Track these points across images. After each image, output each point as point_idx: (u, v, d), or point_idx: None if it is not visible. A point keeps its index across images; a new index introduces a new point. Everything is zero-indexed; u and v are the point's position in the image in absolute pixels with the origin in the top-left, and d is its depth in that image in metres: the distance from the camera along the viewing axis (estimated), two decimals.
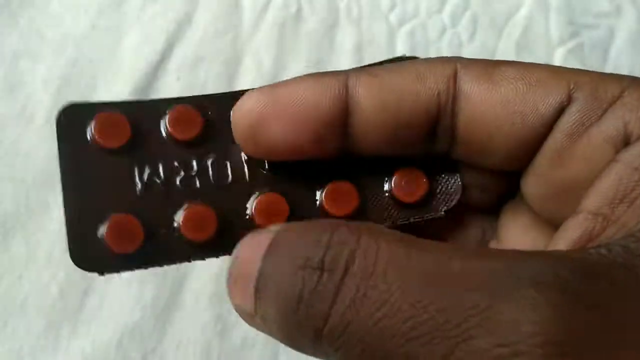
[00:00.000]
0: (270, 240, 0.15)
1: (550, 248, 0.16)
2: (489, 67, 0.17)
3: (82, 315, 0.30)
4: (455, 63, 0.17)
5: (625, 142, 0.16)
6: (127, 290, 0.30)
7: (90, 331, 0.30)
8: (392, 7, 0.37)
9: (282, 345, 0.18)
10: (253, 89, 0.18)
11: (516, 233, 0.19)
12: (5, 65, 0.33)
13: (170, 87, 0.34)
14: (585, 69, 0.17)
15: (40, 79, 0.33)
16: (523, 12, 0.37)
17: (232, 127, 0.18)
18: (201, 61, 0.34)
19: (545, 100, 0.16)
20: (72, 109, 0.17)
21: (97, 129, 0.17)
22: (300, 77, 0.18)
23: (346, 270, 0.13)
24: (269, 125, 0.17)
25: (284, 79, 0.18)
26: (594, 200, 0.16)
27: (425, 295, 0.13)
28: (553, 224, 0.17)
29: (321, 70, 0.18)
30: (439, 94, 0.17)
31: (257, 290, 0.15)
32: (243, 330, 0.30)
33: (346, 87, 0.17)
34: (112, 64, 0.34)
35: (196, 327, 0.30)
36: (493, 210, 0.20)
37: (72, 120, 0.17)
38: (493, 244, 0.20)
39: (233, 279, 0.16)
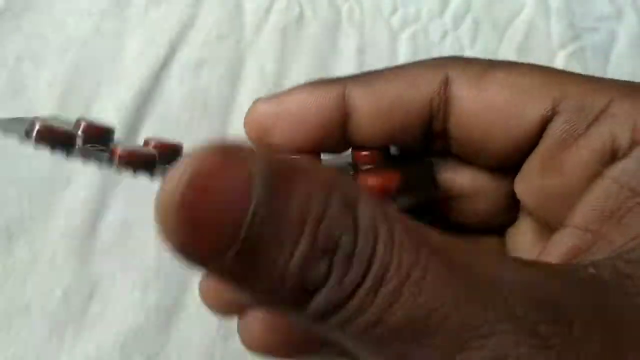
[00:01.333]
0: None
1: (541, 258, 0.16)
2: (481, 70, 0.18)
3: (85, 319, 0.30)
4: (448, 67, 0.18)
5: (613, 156, 0.16)
6: (131, 294, 0.30)
7: (94, 335, 0.30)
8: (394, 11, 0.37)
9: None
10: (260, 98, 0.19)
11: (519, 240, 0.20)
12: (8, 68, 0.33)
13: (172, 91, 0.34)
14: (587, 72, 0.18)
15: (44, 82, 0.33)
16: (524, 15, 0.37)
17: (245, 132, 0.19)
18: (204, 65, 0.34)
19: (531, 111, 0.17)
20: None
21: None
22: (302, 85, 0.19)
23: (371, 260, 0.13)
24: (276, 130, 0.19)
25: (287, 82, 0.20)
26: (581, 215, 0.16)
27: (433, 296, 0.12)
28: (552, 229, 0.17)
29: (323, 74, 0.20)
30: (431, 99, 0.18)
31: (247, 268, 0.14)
32: None
33: (344, 95, 0.18)
34: (115, 68, 0.34)
35: (200, 331, 0.30)
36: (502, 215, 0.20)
37: None
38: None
39: (171, 215, 0.14)
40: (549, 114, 0.17)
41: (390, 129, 0.18)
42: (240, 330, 0.19)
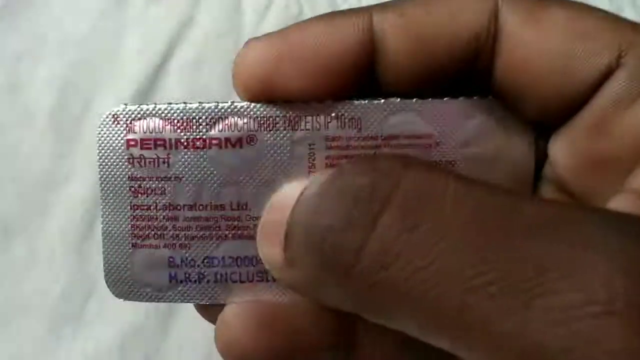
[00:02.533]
0: (303, 187, 0.13)
1: None
2: (537, 5, 0.15)
3: (84, 317, 0.30)
4: None
5: None
6: None
7: (92, 333, 0.30)
8: None
9: None
10: (254, 38, 0.16)
11: None
12: (6, 66, 0.33)
13: (171, 90, 0.34)
14: None
15: (42, 80, 0.33)
16: None
17: (234, 80, 0.16)
18: (203, 63, 0.34)
19: (590, 60, 0.14)
20: None
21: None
22: (313, 20, 0.15)
23: (388, 199, 0.12)
24: (283, 78, 0.15)
25: None
26: None
27: (493, 238, 0.11)
28: (583, 200, 0.16)
29: None
30: (477, 34, 0.15)
31: (287, 234, 0.13)
32: None
33: (370, 27, 0.15)
34: (114, 66, 0.34)
35: (198, 329, 0.30)
36: None
37: None
38: None
39: (263, 230, 0.15)
40: (612, 67, 0.14)
41: (428, 69, 0.15)
42: (217, 330, 0.16)
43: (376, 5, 0.16)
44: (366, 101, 0.16)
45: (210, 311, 0.17)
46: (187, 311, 0.30)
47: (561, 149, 0.16)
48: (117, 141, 0.16)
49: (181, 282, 0.17)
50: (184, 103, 0.16)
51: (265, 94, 0.16)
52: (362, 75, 0.16)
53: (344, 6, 0.36)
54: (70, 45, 0.34)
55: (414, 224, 0.11)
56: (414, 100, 0.16)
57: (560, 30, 0.15)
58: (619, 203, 0.14)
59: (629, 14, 0.37)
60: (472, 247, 0.11)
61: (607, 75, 0.14)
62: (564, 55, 0.15)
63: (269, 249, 0.15)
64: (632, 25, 0.15)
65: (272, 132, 0.16)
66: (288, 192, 0.15)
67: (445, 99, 0.16)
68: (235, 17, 0.35)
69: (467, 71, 0.16)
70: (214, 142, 0.16)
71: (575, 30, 0.15)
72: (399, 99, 0.16)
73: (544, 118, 0.16)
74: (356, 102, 0.16)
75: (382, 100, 0.16)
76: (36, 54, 0.34)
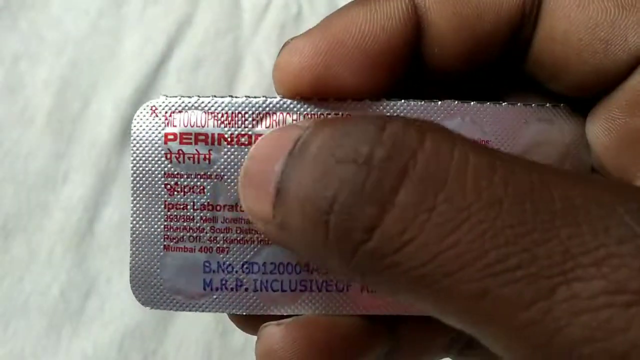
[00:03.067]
0: (298, 134, 0.12)
1: None
2: None
3: (83, 317, 0.30)
4: None
5: None
6: (128, 291, 0.30)
7: (92, 332, 0.30)
8: None
9: None
10: (295, 38, 0.15)
11: None
12: (6, 67, 0.33)
13: (170, 89, 0.34)
14: None
15: (41, 80, 0.33)
16: None
17: (279, 84, 0.15)
18: (202, 62, 0.34)
19: (637, 32, 0.14)
20: None
21: None
22: (351, 7, 0.15)
23: (404, 170, 0.11)
24: (335, 76, 0.14)
25: None
26: None
27: (519, 220, 0.10)
28: (620, 179, 0.15)
29: None
30: (523, 2, 0.15)
31: (278, 191, 0.12)
32: None
33: (414, 6, 0.15)
34: (113, 66, 0.34)
35: (197, 328, 0.30)
36: None
37: None
38: None
39: (247, 178, 0.14)
40: None
41: (475, 43, 0.15)
42: (261, 354, 0.15)
43: None
44: (423, 102, 0.15)
45: (248, 322, 0.16)
46: None
47: (599, 127, 0.15)
48: (154, 134, 0.15)
49: (217, 289, 0.15)
50: (230, 96, 0.15)
51: (317, 94, 0.15)
52: (409, 58, 0.15)
53: (343, 3, 0.36)
54: (69, 45, 0.34)
55: (433, 204, 0.10)
56: (472, 103, 0.15)
57: (603, 2, 0.14)
58: None
59: None
60: (496, 229, 0.10)
61: None
62: (608, 27, 0.14)
63: (255, 202, 0.13)
64: None
65: None
66: (278, 135, 0.13)
67: (503, 104, 0.16)
68: (234, 17, 0.35)
69: (510, 44, 0.15)
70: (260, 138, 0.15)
71: (619, 1, 0.14)
72: (456, 102, 0.15)
73: (582, 93, 0.15)
74: (412, 102, 0.15)
75: (439, 102, 0.15)
76: (35, 54, 0.34)
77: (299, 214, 0.12)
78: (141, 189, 0.15)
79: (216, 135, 0.15)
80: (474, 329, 0.11)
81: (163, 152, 0.15)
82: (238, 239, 0.15)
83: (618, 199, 0.11)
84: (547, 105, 0.16)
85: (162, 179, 0.15)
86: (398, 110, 0.15)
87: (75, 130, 0.32)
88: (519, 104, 0.16)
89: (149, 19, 0.35)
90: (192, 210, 0.15)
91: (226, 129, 0.15)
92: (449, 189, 0.10)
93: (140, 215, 0.15)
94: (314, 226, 0.11)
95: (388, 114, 0.15)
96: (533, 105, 0.16)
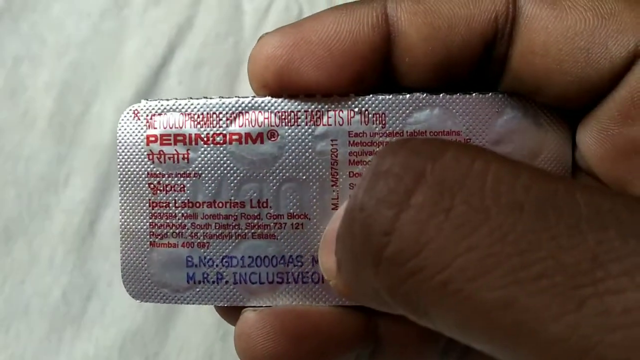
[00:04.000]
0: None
1: None
2: None
3: (84, 319, 0.30)
4: None
5: None
6: None
7: (93, 335, 0.30)
8: None
9: None
10: (267, 32, 0.15)
11: None
12: (7, 69, 0.33)
13: (171, 91, 0.34)
14: None
15: (42, 83, 0.33)
16: None
17: (250, 75, 0.15)
18: (203, 65, 0.34)
19: (618, 40, 0.14)
20: None
21: None
22: (326, 11, 0.15)
23: (422, 173, 0.11)
24: (298, 69, 0.15)
25: None
26: None
27: (543, 224, 0.09)
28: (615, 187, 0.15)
29: None
30: (496, 16, 0.15)
31: (337, 238, 0.13)
32: None
33: (385, 15, 0.15)
34: (114, 68, 0.34)
35: (198, 331, 0.30)
36: None
37: None
38: None
39: (322, 240, 0.15)
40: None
41: (446, 55, 0.15)
42: (237, 339, 0.16)
43: None
44: (390, 96, 0.16)
45: (230, 313, 0.17)
46: (187, 313, 0.30)
47: (590, 137, 0.15)
48: (137, 137, 0.16)
49: (199, 282, 0.16)
50: (205, 98, 0.16)
51: (283, 88, 0.15)
52: (379, 66, 0.15)
53: None
54: (71, 48, 0.34)
55: (450, 204, 0.10)
56: (441, 95, 0.16)
57: (582, 10, 0.14)
58: None
59: None
60: (517, 234, 0.09)
61: (635, 56, 0.14)
62: (588, 36, 0.14)
63: (325, 258, 0.14)
64: None
65: (293, 127, 0.16)
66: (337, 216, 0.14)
67: (473, 94, 0.16)
68: (235, 19, 0.35)
69: (484, 60, 0.15)
70: (234, 137, 0.16)
71: (598, 11, 0.14)
72: (425, 94, 0.16)
73: (567, 104, 0.15)
74: (380, 96, 0.16)
75: (407, 95, 0.16)
76: (36, 57, 0.34)
77: (342, 242, 0.12)
78: (127, 188, 0.16)
79: (193, 136, 0.16)
80: (500, 348, 0.10)
81: (145, 153, 0.16)
82: (217, 234, 0.16)
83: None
84: (520, 95, 0.16)
85: (146, 178, 0.16)
86: (367, 105, 0.16)
87: (77, 133, 0.32)
88: (490, 94, 0.16)
89: (150, 22, 0.35)
90: (174, 207, 0.16)
91: (202, 129, 0.16)
92: (467, 191, 0.10)
93: (128, 214, 0.16)
94: (346, 240, 0.12)
95: (357, 108, 0.16)
96: (505, 94, 0.16)
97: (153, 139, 0.16)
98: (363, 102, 0.16)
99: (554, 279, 0.09)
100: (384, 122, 0.16)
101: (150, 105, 0.16)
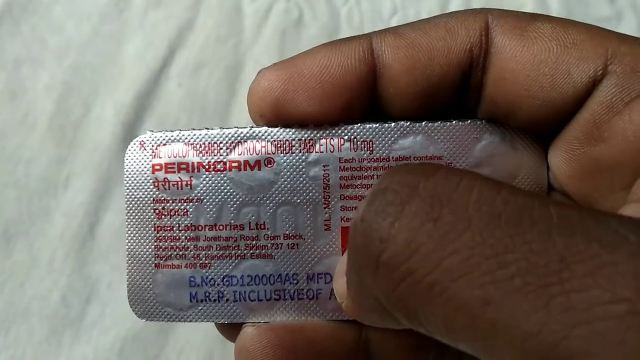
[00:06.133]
0: None
1: None
2: (524, 21, 0.16)
3: (84, 322, 0.30)
4: (486, 15, 0.16)
5: None
6: None
7: (92, 338, 0.30)
8: (394, 13, 0.37)
9: None
10: (265, 68, 0.17)
11: None
12: (7, 72, 0.33)
13: (171, 94, 0.34)
14: None
15: (42, 85, 0.33)
16: None
17: (248, 106, 0.17)
18: (203, 67, 0.34)
19: (579, 67, 0.15)
20: None
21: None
22: (318, 47, 0.17)
23: (417, 189, 0.12)
24: (292, 100, 0.16)
25: None
26: None
27: (518, 232, 0.11)
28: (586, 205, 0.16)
29: None
30: (471, 47, 0.16)
31: (347, 253, 0.14)
32: None
33: (371, 50, 0.16)
34: (114, 71, 0.34)
35: (198, 333, 0.30)
36: None
37: None
38: None
39: (336, 272, 0.16)
40: (599, 74, 0.15)
41: (427, 85, 0.16)
42: (237, 355, 0.17)
43: (375, 31, 0.17)
44: (377, 124, 0.17)
45: (231, 330, 0.18)
46: None
47: (559, 157, 0.16)
48: (143, 166, 0.17)
49: (201, 301, 0.17)
50: (207, 128, 0.17)
51: (278, 118, 0.17)
52: (366, 96, 0.17)
53: (344, 9, 0.36)
54: (71, 50, 0.34)
55: (439, 214, 0.11)
56: (423, 123, 0.17)
57: (547, 40, 0.15)
58: (631, 212, 0.14)
59: (629, 17, 0.37)
60: (495, 239, 0.11)
61: (595, 81, 0.15)
62: (552, 63, 0.15)
63: (338, 283, 0.16)
64: (616, 35, 0.15)
65: (288, 154, 0.17)
66: None
67: (453, 121, 0.17)
68: (235, 22, 0.35)
69: (462, 88, 0.17)
70: (233, 164, 0.17)
71: (562, 40, 0.15)
72: (408, 122, 0.17)
73: (538, 127, 0.16)
74: (367, 125, 0.17)
75: (392, 124, 0.17)
76: (37, 59, 0.34)
77: (347, 257, 0.13)
78: (134, 214, 0.17)
79: (196, 164, 0.17)
80: (482, 348, 0.11)
81: (151, 180, 0.17)
82: (218, 255, 0.17)
83: (614, 216, 0.11)
84: (497, 122, 0.17)
85: (152, 204, 0.17)
86: (355, 133, 0.17)
87: (77, 135, 0.32)
88: (469, 121, 0.17)
89: (151, 24, 0.35)
90: (177, 231, 0.17)
91: (204, 157, 0.17)
92: (454, 203, 0.11)
93: (134, 238, 0.17)
94: (350, 252, 0.13)
95: (346, 136, 0.17)
96: (483, 121, 0.17)
97: (158, 167, 0.17)
98: (352, 130, 0.17)
99: (526, 279, 0.10)
100: (371, 148, 0.17)
101: (155, 137, 0.17)
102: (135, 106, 0.33)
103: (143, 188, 0.17)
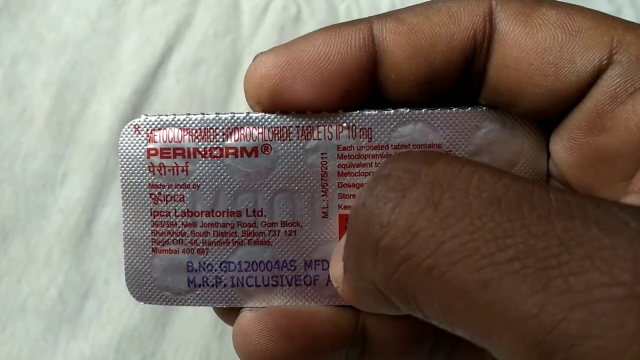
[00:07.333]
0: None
1: None
2: (528, 6, 0.15)
3: (81, 318, 0.30)
4: (490, 0, 0.16)
5: None
6: (126, 293, 0.30)
7: (89, 334, 0.30)
8: (392, 8, 0.37)
9: None
10: (262, 52, 0.16)
11: None
12: (5, 67, 0.33)
13: (169, 90, 0.34)
14: None
15: (40, 81, 0.33)
16: None
17: (245, 92, 0.17)
18: (201, 64, 0.34)
19: (584, 56, 0.15)
20: None
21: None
22: (316, 32, 0.16)
23: (418, 176, 0.12)
24: (290, 88, 0.16)
25: None
26: None
27: (517, 216, 0.11)
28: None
29: None
30: (474, 34, 0.16)
31: (345, 239, 0.14)
32: None
33: (371, 36, 0.16)
34: (112, 67, 0.34)
35: (195, 330, 0.30)
36: None
37: None
38: None
39: (333, 256, 0.16)
40: (604, 63, 0.15)
41: (429, 71, 0.16)
42: (235, 338, 0.17)
43: (376, 15, 0.16)
44: (376, 112, 0.17)
45: (229, 314, 0.18)
46: (184, 312, 0.30)
47: (561, 146, 0.16)
48: (138, 150, 0.17)
49: (199, 286, 0.17)
50: (202, 114, 0.17)
51: (276, 105, 0.16)
52: (366, 83, 0.16)
53: (342, 6, 0.36)
54: (68, 46, 0.34)
55: (439, 200, 0.11)
56: (423, 110, 0.17)
57: (552, 27, 0.15)
58: (632, 202, 0.14)
59: (628, 13, 0.37)
60: (495, 223, 0.11)
61: (600, 71, 0.15)
62: (556, 51, 0.15)
63: (334, 267, 0.16)
64: (622, 23, 0.15)
65: (285, 141, 0.17)
66: None
67: (453, 109, 0.17)
68: (233, 18, 0.35)
69: (464, 74, 0.16)
70: (230, 151, 0.17)
71: (567, 28, 0.15)
72: (408, 110, 0.17)
73: (539, 115, 0.16)
74: (367, 112, 0.17)
75: (392, 111, 0.17)
76: (34, 55, 0.34)
77: (347, 242, 0.13)
78: (130, 198, 0.17)
79: (191, 149, 0.17)
80: (479, 331, 0.11)
81: (146, 165, 0.17)
82: (215, 241, 0.17)
83: (615, 203, 0.11)
84: (498, 109, 0.17)
85: (147, 189, 0.17)
86: (354, 120, 0.17)
87: (74, 131, 0.32)
88: (469, 108, 0.17)
89: (148, 20, 0.35)
90: (174, 216, 0.17)
91: (200, 143, 0.17)
92: (455, 189, 0.11)
93: (131, 222, 0.17)
94: (350, 237, 0.13)
95: (345, 123, 0.17)
96: (484, 108, 0.17)
97: (153, 152, 0.17)
98: (351, 117, 0.17)
99: (525, 262, 0.10)
100: (370, 136, 0.17)
101: (150, 120, 0.17)
102: (133, 102, 0.33)
103: (138, 173, 0.17)
